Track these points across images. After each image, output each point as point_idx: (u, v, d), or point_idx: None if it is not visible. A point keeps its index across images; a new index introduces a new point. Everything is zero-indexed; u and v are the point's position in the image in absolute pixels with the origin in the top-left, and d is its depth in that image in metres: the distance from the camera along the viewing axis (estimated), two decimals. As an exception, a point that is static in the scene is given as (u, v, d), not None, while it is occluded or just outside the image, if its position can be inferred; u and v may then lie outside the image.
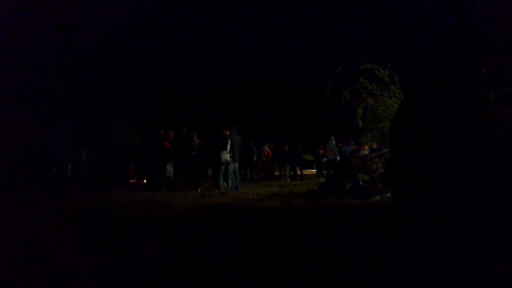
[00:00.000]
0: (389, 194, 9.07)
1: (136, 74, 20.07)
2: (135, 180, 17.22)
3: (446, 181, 3.63)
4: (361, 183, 10.08)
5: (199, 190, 12.66)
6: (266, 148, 19.25)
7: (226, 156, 12.51)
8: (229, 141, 12.63)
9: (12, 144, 12.06)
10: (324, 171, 19.52)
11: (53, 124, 11.52)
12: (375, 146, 13.88)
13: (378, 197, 9.16)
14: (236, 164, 12.93)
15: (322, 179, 17.58)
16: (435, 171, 3.75)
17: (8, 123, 12.20)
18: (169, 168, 13.57)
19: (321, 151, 19.98)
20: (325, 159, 19.03)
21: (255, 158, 19.65)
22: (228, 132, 12.83)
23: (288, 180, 18.40)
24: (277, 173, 19.90)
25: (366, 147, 13.67)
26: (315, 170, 21.32)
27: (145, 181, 16.23)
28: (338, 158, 16.96)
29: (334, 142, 18.07)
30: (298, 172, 19.92)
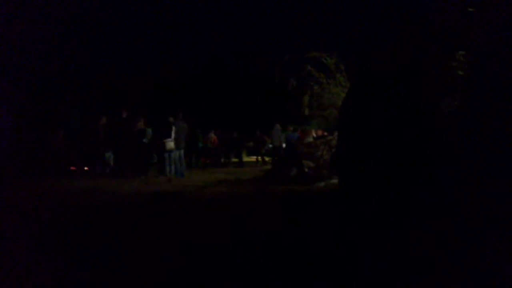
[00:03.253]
0: (333, 181, 9.27)
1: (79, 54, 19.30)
2: (75, 168, 16.61)
3: (390, 170, 3.73)
4: (306, 169, 10.21)
5: (143, 177, 12.38)
6: (212, 134, 19.10)
7: (171, 143, 12.29)
8: (173, 128, 12.39)
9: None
10: (267, 158, 19.56)
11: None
12: (320, 133, 14.08)
13: (322, 183, 9.32)
14: (182, 151, 12.73)
15: (263, 166, 17.67)
16: (380, 158, 3.84)
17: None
18: (107, 154, 13.19)
19: (266, 138, 19.96)
20: (270, 146, 19.08)
21: (200, 145, 19.46)
22: (172, 119, 12.60)
23: (232, 166, 18.30)
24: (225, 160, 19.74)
25: (311, 134, 13.83)
26: (255, 157, 21.20)
27: (86, 168, 15.71)
28: (284, 145, 17.05)
29: (280, 129, 18.13)
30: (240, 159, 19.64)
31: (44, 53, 16.74)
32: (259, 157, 20.28)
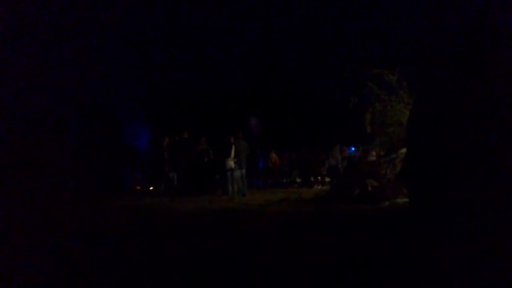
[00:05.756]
0: (398, 200, 9.01)
1: (140, 79, 20.00)
2: (141, 187, 17.19)
3: (464, 178, 3.59)
4: (369, 188, 9.99)
5: (206, 196, 12.58)
6: (273, 154, 19.16)
7: (231, 162, 12.47)
8: (233, 148, 12.57)
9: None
10: (327, 179, 19.25)
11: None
12: (382, 153, 13.79)
13: (387, 203, 9.07)
14: (244, 170, 12.82)
15: (319, 187, 17.41)
16: (454, 168, 3.70)
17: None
18: (171, 174, 13.56)
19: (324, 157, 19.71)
20: (327, 166, 18.82)
21: (261, 165, 19.59)
22: (232, 139, 12.77)
23: (295, 185, 18.34)
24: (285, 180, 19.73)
25: (374, 153, 13.58)
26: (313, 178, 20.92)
27: (151, 187, 16.19)
28: (340, 165, 16.80)
29: (339, 150, 17.91)
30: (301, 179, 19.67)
31: (108, 73, 17.46)
32: (319, 177, 20.06)
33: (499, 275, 2.96)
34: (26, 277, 3.49)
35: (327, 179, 19.20)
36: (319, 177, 19.85)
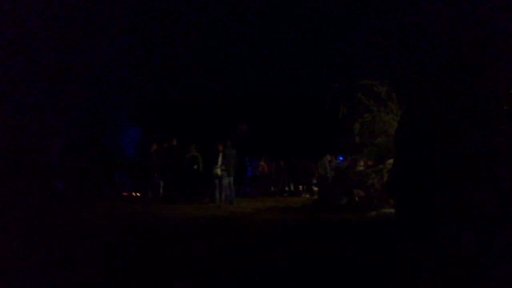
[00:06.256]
0: (385, 210, 9.06)
1: (130, 84, 19.92)
2: (127, 193, 17.08)
3: (450, 190, 3.62)
4: (357, 198, 10.04)
5: (194, 203, 12.54)
6: (262, 163, 19.15)
7: (217, 170, 12.48)
8: (220, 155, 12.59)
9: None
10: (315, 188, 19.26)
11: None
12: (370, 163, 13.83)
13: (374, 212, 9.12)
14: (232, 178, 12.82)
15: (307, 196, 17.47)
16: (441, 180, 3.73)
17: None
18: (158, 181, 13.50)
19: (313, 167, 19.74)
20: (316, 175, 18.88)
21: (249, 173, 19.56)
22: (220, 147, 12.78)
23: (285, 194, 18.37)
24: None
25: (362, 163, 13.62)
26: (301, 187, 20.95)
27: (138, 194, 16.09)
28: (329, 175, 16.84)
29: (328, 159, 17.99)
30: (290, 188, 19.78)
31: (97, 78, 17.40)
32: (306, 186, 20.05)
33: (483, 285, 2.99)
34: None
35: (315, 189, 19.22)
36: (306, 186, 19.88)
